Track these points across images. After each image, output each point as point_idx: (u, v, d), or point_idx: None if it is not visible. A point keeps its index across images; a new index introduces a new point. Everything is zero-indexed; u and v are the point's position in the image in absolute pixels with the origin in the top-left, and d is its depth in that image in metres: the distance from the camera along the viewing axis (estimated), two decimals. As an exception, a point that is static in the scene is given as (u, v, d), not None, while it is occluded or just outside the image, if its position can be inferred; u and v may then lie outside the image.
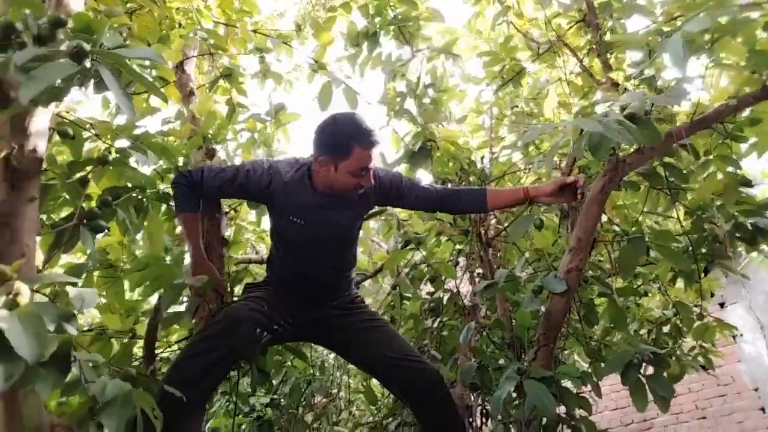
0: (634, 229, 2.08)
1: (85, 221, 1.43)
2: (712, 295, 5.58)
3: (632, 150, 1.91)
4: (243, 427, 2.91)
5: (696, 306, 2.49)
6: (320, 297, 1.95)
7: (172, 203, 1.90)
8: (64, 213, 1.63)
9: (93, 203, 1.60)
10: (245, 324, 1.69)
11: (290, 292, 1.89)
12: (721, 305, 5.71)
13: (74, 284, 1.15)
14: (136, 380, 1.31)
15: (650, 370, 1.81)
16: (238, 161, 2.44)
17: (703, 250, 2.13)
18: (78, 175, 1.54)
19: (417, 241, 2.59)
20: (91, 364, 1.09)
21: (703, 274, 2.22)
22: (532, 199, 1.91)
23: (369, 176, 1.81)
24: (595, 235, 1.92)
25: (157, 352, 1.93)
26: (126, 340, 1.83)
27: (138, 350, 1.97)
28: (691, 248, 2.04)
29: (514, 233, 2.01)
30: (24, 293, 0.96)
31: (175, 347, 2.06)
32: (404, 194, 2.01)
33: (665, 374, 1.78)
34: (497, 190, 2.10)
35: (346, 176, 1.78)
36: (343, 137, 1.76)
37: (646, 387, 1.74)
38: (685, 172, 2.01)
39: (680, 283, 2.39)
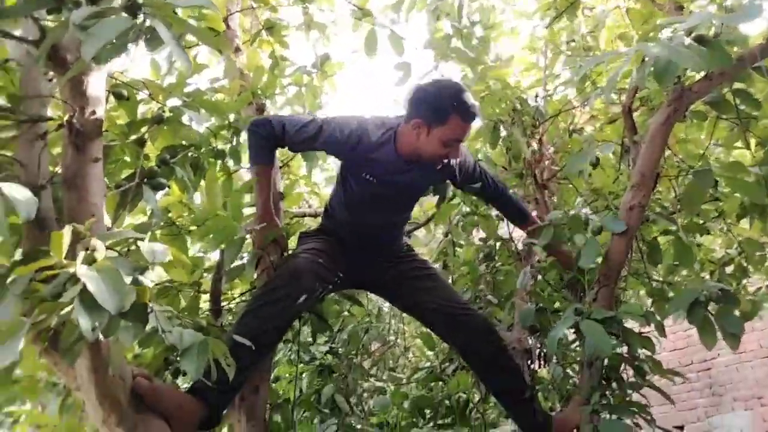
0: (699, 163, 1.97)
1: (146, 180, 1.47)
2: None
3: (699, 77, 1.80)
4: (304, 375, 3.02)
5: (764, 244, 2.36)
6: (377, 251, 1.97)
7: (228, 160, 1.93)
8: (124, 174, 1.68)
9: (152, 163, 1.63)
10: (306, 276, 1.72)
11: (348, 245, 1.91)
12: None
13: (143, 240, 1.20)
14: (207, 330, 1.37)
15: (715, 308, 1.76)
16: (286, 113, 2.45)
17: None
18: (135, 136, 1.57)
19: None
20: (166, 315, 1.14)
21: None
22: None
23: (457, 149, 1.79)
24: (658, 169, 1.84)
25: (222, 304, 2.00)
26: (193, 294, 1.90)
27: (204, 304, 2.05)
28: (763, 180, 1.93)
29: (571, 169, 1.95)
30: (100, 249, 1.00)
31: (239, 299, 2.13)
32: (473, 180, 2.02)
33: (736, 312, 1.72)
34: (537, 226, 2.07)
35: (437, 143, 1.76)
36: (444, 104, 1.73)
37: (715, 325, 1.69)
38: (758, 99, 1.87)
39: (745, 222, 2.27)
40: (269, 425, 1.73)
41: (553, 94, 2.54)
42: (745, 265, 2.43)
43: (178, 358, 1.72)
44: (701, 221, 2.42)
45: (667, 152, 2.06)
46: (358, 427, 1.87)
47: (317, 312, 2.04)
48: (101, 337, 0.94)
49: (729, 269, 2.47)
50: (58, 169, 1.33)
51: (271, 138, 1.79)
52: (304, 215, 2.59)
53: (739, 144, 2.06)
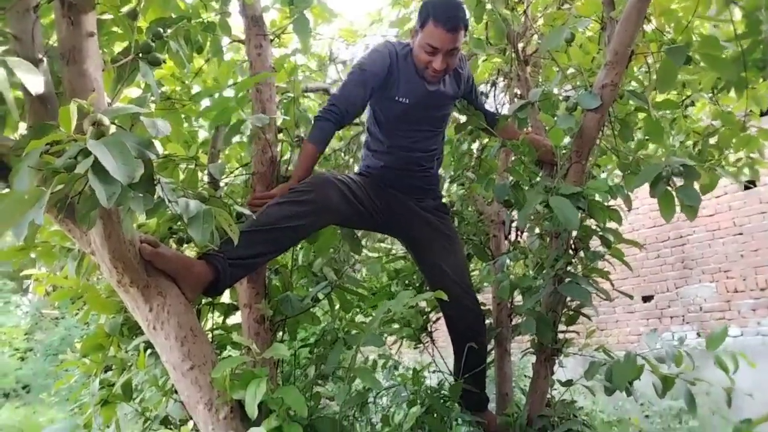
0: (681, 37, 1.95)
1: (141, 55, 1.47)
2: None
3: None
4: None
5: (746, 115, 2.37)
6: (412, 188, 2.10)
7: (218, 33, 1.91)
8: (117, 48, 1.68)
9: (144, 36, 1.63)
10: (333, 190, 1.83)
11: (385, 182, 2.05)
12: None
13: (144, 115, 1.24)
14: (209, 201, 1.45)
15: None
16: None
17: (757, 56, 1.98)
18: (126, 8, 1.55)
19: None
20: (171, 187, 1.21)
21: (761, 80, 2.10)
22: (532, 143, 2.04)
23: (440, 60, 1.84)
24: (633, 47, 1.83)
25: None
26: (192, 167, 1.96)
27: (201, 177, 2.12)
28: (742, 55, 1.90)
29: (547, 46, 1.95)
30: (106, 124, 1.05)
31: (237, 172, 2.20)
32: (473, 94, 2.15)
33: (697, 185, 1.77)
34: (512, 126, 2.17)
35: (419, 50, 1.86)
36: (425, 8, 1.82)
37: (675, 197, 1.74)
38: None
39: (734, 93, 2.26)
40: (268, 288, 1.88)
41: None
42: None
43: (181, 228, 1.84)
44: (687, 93, 2.43)
45: (649, 28, 2.03)
46: (349, 287, 2.04)
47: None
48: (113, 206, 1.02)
49: (713, 140, 2.52)
50: (53, 42, 1.34)
51: (338, 121, 1.88)
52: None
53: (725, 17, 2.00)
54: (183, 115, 2.07)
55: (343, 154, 3.43)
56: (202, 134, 2.40)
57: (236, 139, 2.12)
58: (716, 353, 1.63)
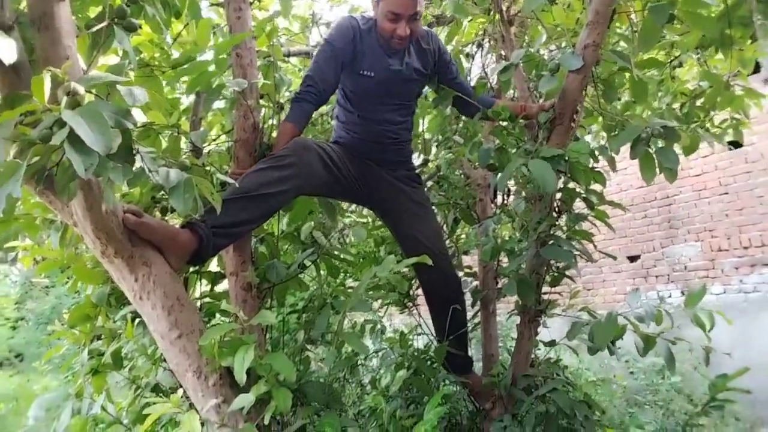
0: None
1: (116, 20, 1.43)
2: (758, 68, 5.33)
3: None
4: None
5: (734, 76, 2.36)
6: (383, 157, 2.11)
7: (196, -4, 1.86)
8: (91, 13, 1.62)
9: (118, 1, 1.57)
10: (313, 154, 1.84)
11: (356, 152, 2.07)
12: (766, 81, 5.52)
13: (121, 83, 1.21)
14: (191, 169, 1.43)
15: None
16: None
17: (742, 14, 1.94)
18: (98, -30, 1.50)
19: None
20: (151, 156, 1.20)
21: (748, 41, 2.07)
22: (526, 116, 2.00)
23: (403, 26, 1.88)
24: (614, 6, 1.80)
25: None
26: (173, 135, 1.93)
27: (184, 145, 2.10)
28: (727, 12, 1.86)
29: (529, 5, 1.91)
30: (81, 93, 1.02)
31: (221, 139, 2.18)
32: (447, 71, 2.14)
33: (678, 147, 1.75)
34: (503, 102, 2.16)
35: (383, 19, 1.89)
36: None
37: (655, 159, 1.74)
38: None
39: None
40: (255, 255, 1.88)
41: None
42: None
43: (165, 197, 1.83)
44: (675, 54, 2.39)
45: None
46: (336, 253, 2.05)
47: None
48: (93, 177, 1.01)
49: (699, 102, 2.50)
50: (23, 8, 1.30)
51: (318, 102, 1.91)
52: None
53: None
54: (164, 82, 2.02)
55: (330, 119, 3.40)
56: (185, 102, 2.36)
57: (218, 105, 2.09)
58: (694, 311, 1.66)
